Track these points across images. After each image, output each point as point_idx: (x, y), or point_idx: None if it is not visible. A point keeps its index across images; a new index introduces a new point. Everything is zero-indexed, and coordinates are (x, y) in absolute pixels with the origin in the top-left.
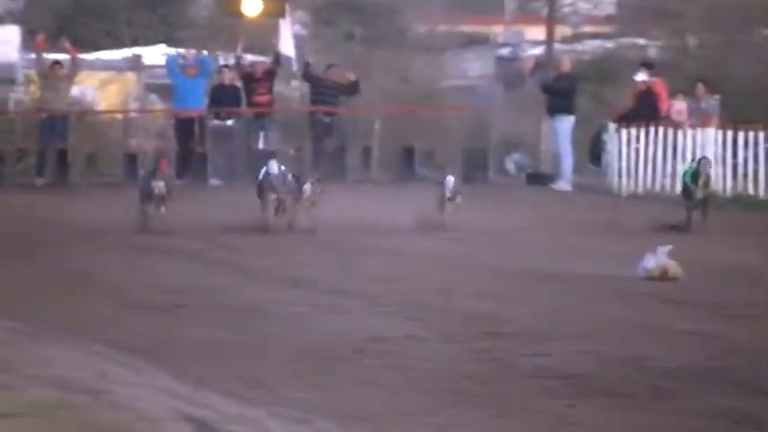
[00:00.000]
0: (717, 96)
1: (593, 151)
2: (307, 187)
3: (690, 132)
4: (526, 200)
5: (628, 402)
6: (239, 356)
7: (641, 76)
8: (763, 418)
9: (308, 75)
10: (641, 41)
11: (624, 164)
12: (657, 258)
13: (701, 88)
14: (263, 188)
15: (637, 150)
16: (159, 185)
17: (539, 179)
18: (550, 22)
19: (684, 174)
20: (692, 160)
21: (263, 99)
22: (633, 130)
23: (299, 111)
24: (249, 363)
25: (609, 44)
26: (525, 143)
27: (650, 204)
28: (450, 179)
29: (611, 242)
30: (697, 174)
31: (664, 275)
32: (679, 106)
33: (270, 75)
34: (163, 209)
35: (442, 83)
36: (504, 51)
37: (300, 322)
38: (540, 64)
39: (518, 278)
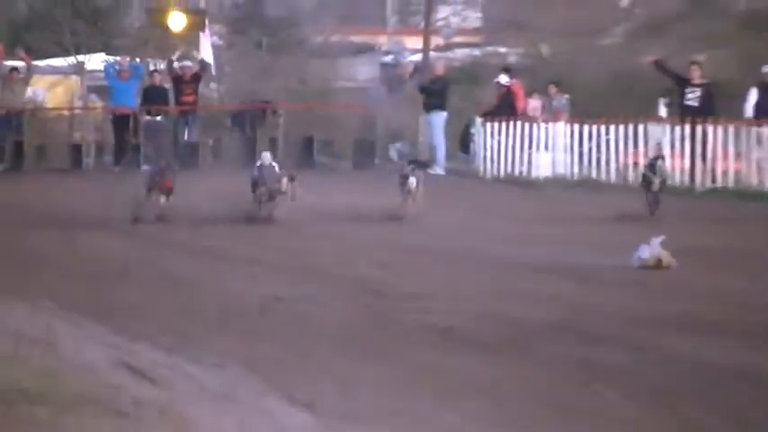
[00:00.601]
0: (567, 96)
1: (462, 141)
2: (284, 182)
3: (543, 126)
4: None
5: (493, 351)
6: (171, 316)
7: (502, 79)
8: (606, 363)
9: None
10: (503, 50)
11: (488, 152)
12: (651, 249)
13: (552, 89)
14: (256, 182)
15: (499, 141)
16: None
17: (418, 164)
18: (426, 33)
19: (644, 167)
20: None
21: (189, 99)
22: (496, 124)
23: (218, 108)
24: (178, 321)
25: (476, 52)
26: (406, 135)
27: (510, 186)
28: (413, 180)
29: (511, 225)
30: (654, 167)
31: (658, 264)
32: (534, 104)
33: (197, 78)
34: (164, 199)
35: (335, 84)
36: (388, 58)
37: (224, 288)
38: (417, 68)
39: (429, 254)
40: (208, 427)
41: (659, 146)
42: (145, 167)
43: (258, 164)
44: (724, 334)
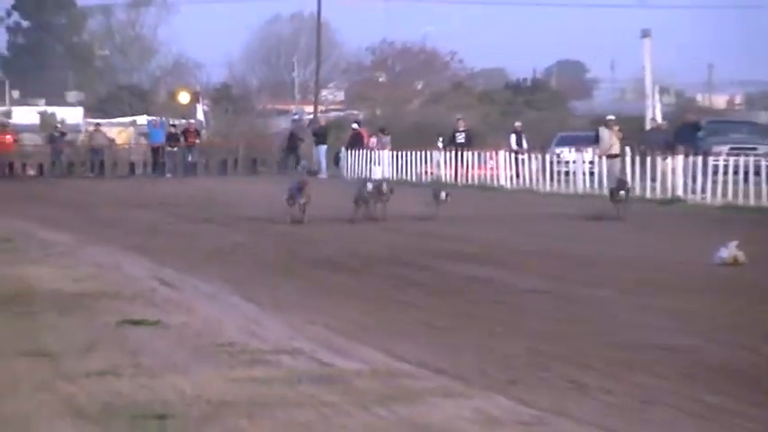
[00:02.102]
0: (389, 136)
1: (335, 161)
2: (386, 190)
3: (377, 152)
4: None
5: (354, 271)
6: (182, 254)
7: (355, 126)
8: (412, 278)
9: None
10: (355, 111)
11: (349, 166)
12: (729, 250)
13: (381, 133)
14: (361, 195)
15: (354, 160)
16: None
17: (312, 173)
18: (316, 103)
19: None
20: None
21: (193, 139)
22: (352, 151)
23: (207, 143)
24: (186, 257)
25: (341, 113)
26: (307, 157)
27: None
28: (379, 182)
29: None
30: (623, 183)
31: (735, 261)
32: (373, 141)
33: (196, 129)
34: (306, 205)
35: (268, 131)
36: (295, 116)
37: (211, 239)
38: (311, 122)
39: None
40: (203, 312)
41: (438, 163)
42: (293, 182)
43: (365, 180)
44: (487, 261)
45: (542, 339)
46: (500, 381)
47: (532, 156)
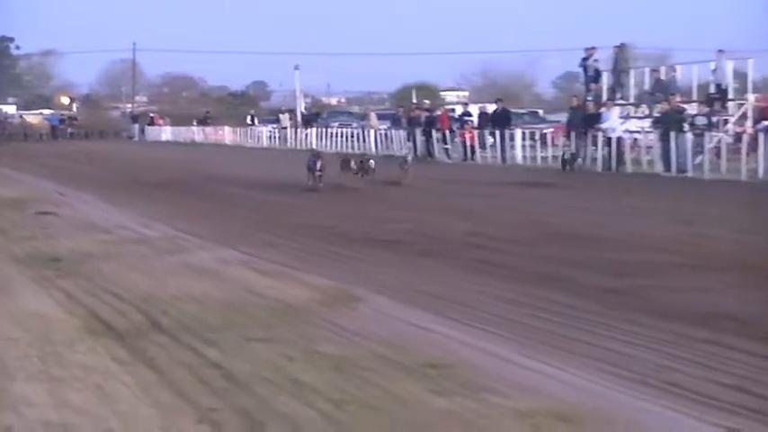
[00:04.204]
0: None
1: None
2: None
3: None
4: None
5: (163, 187)
6: (71, 180)
7: (152, 115)
8: (206, 195)
9: None
10: (154, 107)
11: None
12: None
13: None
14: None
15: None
16: (319, 164)
17: (130, 137)
18: (132, 103)
19: (564, 154)
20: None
21: (71, 122)
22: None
23: (79, 124)
24: (73, 181)
25: (144, 108)
26: (128, 130)
27: None
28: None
29: None
30: (575, 155)
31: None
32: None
33: (74, 117)
34: (320, 178)
35: (109, 118)
36: (128, 110)
37: (90, 172)
38: (132, 113)
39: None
40: (80, 208)
41: (194, 131)
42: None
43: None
44: (243, 185)
45: (255, 224)
46: (230, 242)
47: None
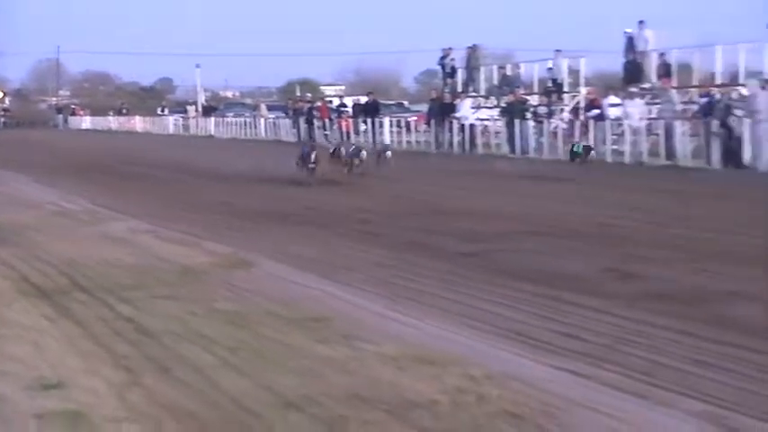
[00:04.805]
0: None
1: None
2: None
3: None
4: None
5: (89, 169)
6: (7, 163)
7: (73, 106)
8: (131, 176)
9: None
10: (76, 101)
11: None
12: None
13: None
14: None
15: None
16: (314, 155)
17: (55, 126)
18: (57, 96)
19: (576, 146)
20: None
21: (5, 113)
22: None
23: (11, 115)
24: (11, 165)
25: (67, 101)
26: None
27: None
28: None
29: None
30: (589, 149)
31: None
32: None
33: (7, 109)
34: (313, 171)
35: (37, 110)
36: (53, 102)
37: (25, 157)
38: (58, 105)
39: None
40: (18, 188)
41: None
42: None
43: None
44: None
45: (163, 200)
46: (141, 215)
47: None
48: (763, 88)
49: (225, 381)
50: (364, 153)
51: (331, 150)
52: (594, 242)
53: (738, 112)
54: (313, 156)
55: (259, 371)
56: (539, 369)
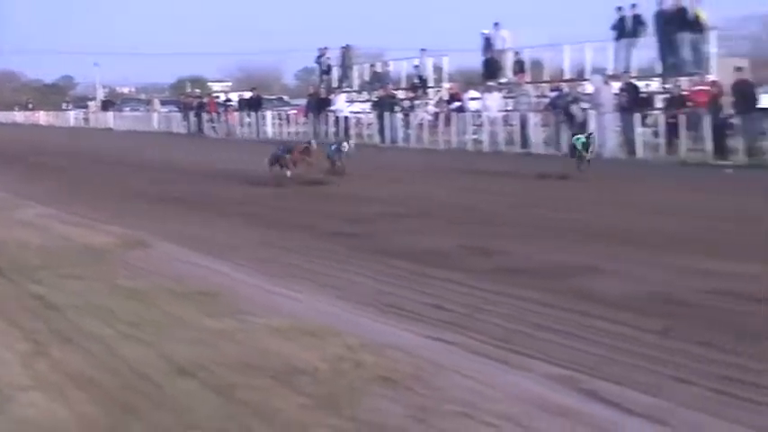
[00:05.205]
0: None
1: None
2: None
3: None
4: None
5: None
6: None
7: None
8: (55, 167)
9: None
10: None
11: None
12: None
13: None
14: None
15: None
16: (287, 156)
17: None
18: None
19: (578, 140)
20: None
21: None
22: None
23: None
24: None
25: None
26: None
27: None
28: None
29: None
30: (588, 144)
31: None
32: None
33: None
34: (287, 171)
35: None
36: None
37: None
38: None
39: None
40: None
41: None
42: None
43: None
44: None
45: (68, 187)
46: (47, 201)
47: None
48: (606, 83)
49: (124, 350)
50: (345, 145)
51: (301, 149)
52: (460, 222)
53: (584, 105)
54: (288, 157)
55: (155, 341)
56: (410, 338)
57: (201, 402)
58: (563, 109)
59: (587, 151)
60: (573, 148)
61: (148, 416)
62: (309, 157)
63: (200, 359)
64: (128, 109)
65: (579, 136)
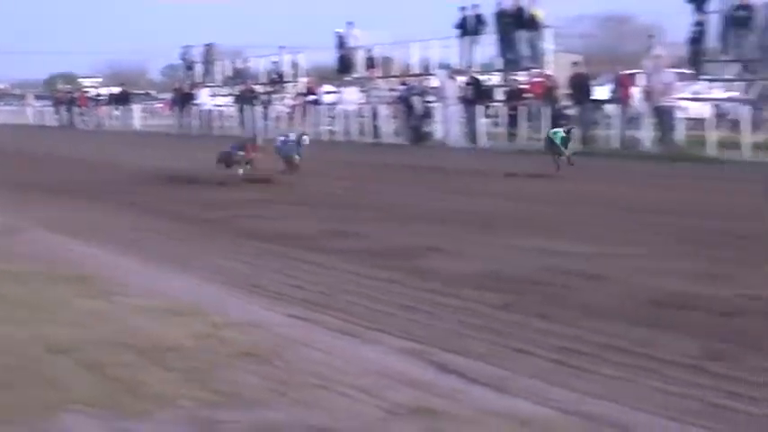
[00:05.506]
0: None
1: None
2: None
3: None
4: None
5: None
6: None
7: None
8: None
9: None
10: None
11: None
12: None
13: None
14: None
15: None
16: (240, 154)
17: None
18: None
19: (556, 135)
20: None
21: None
22: None
23: None
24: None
25: None
26: None
27: None
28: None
29: None
30: (567, 139)
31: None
32: None
33: None
34: (240, 169)
35: None
36: None
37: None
38: None
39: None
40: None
41: None
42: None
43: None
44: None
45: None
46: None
47: None
48: (451, 78)
49: (0, 330)
50: (306, 138)
51: (254, 146)
52: (318, 208)
53: (429, 97)
54: (241, 154)
55: (30, 322)
56: (271, 315)
57: (76, 379)
58: (404, 101)
59: (566, 147)
60: (550, 142)
61: (25, 392)
62: (262, 153)
63: (74, 339)
64: (2, 104)
65: (557, 130)
